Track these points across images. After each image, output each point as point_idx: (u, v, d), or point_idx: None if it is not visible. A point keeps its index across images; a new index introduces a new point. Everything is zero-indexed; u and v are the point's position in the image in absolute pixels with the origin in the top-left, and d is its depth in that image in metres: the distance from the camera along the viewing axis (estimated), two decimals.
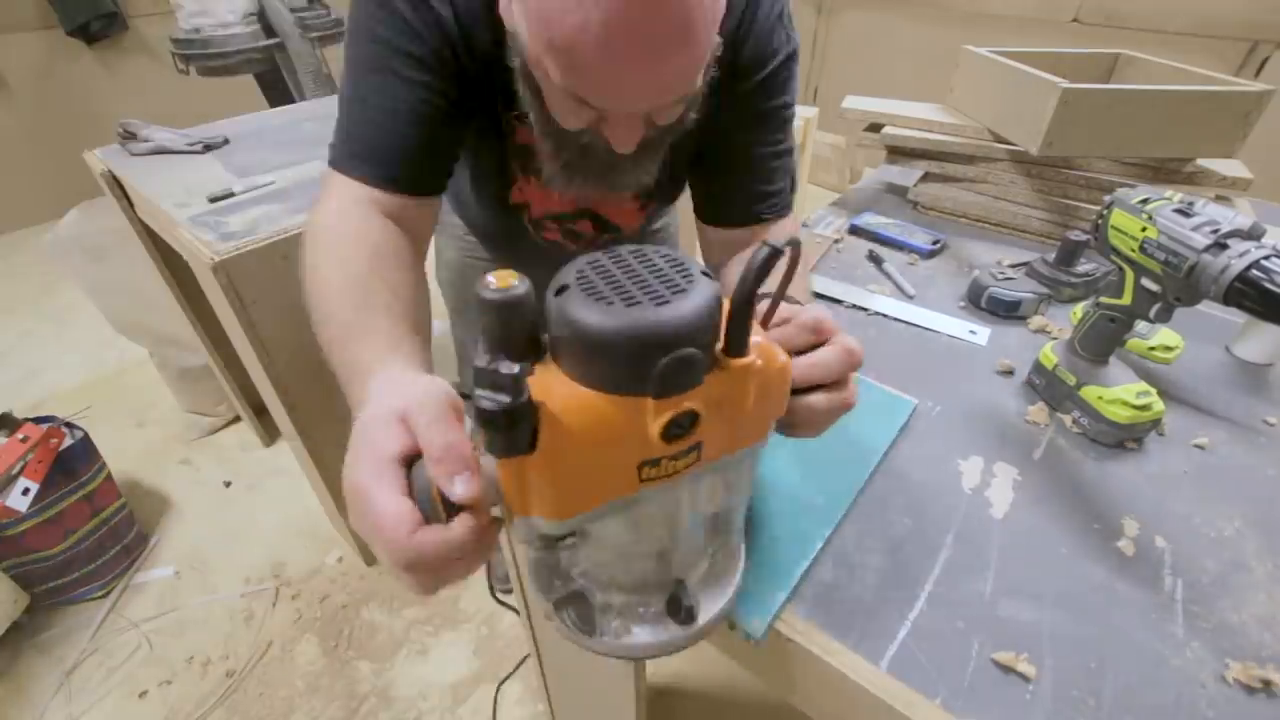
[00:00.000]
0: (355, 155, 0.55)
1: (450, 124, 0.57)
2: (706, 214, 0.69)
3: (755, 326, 0.33)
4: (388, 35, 0.52)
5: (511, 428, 0.27)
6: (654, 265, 0.30)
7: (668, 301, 0.28)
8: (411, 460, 0.31)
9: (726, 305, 0.30)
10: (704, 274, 0.29)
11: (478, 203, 0.76)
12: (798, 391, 0.38)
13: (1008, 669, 0.40)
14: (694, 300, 0.28)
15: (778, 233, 0.67)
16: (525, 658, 1.26)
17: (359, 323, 0.44)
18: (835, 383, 0.39)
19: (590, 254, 0.31)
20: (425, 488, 0.30)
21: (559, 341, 0.29)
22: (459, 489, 0.28)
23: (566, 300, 0.28)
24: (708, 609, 0.38)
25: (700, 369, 0.28)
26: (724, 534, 0.40)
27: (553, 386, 0.28)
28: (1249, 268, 0.42)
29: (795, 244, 0.30)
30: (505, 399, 0.26)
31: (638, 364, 0.27)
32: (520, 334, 0.28)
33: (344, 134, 0.56)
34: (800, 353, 0.38)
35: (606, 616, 0.38)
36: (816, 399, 0.38)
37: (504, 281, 0.27)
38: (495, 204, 0.73)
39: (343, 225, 0.52)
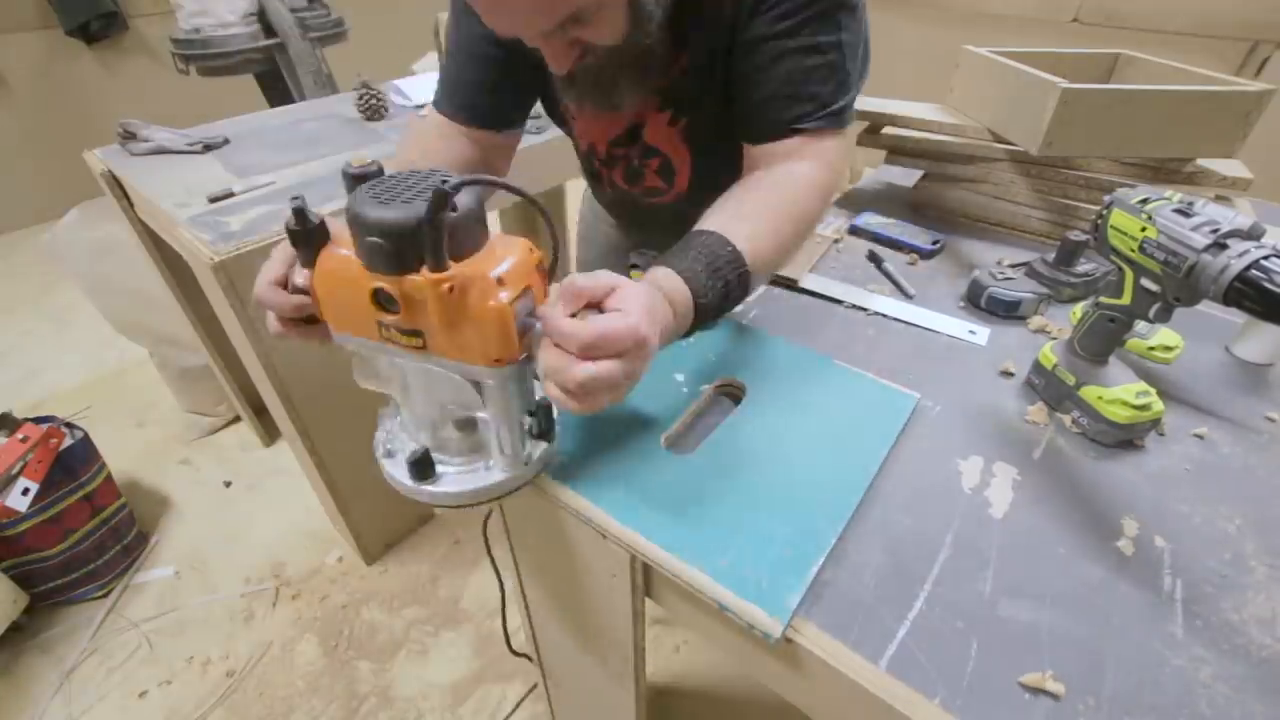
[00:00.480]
0: (447, 96, 0.73)
1: (514, 68, 0.70)
2: (740, 132, 0.67)
3: (528, 280, 0.41)
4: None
5: (299, 245, 0.41)
6: (423, 181, 0.40)
7: (386, 205, 0.37)
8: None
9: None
10: (435, 200, 0.35)
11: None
12: None
13: (1036, 690, 0.39)
14: (401, 210, 0.36)
15: (802, 152, 0.62)
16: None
17: None
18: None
19: (408, 170, 0.41)
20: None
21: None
22: (300, 277, 0.46)
23: (357, 188, 0.39)
24: (445, 485, 0.48)
25: (388, 260, 0.38)
26: (479, 440, 0.49)
27: (342, 240, 0.41)
28: (1248, 268, 0.42)
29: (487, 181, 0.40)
30: (294, 224, 0.39)
31: (358, 239, 0.38)
32: None
33: (441, 81, 0.74)
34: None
35: (380, 443, 0.51)
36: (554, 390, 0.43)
37: (361, 162, 0.39)
38: (577, 152, 0.87)
39: (428, 135, 0.74)
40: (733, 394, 0.62)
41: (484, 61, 0.70)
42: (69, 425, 1.32)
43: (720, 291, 0.52)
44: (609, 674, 0.68)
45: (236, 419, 1.83)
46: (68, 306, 2.36)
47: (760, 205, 0.60)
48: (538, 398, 0.49)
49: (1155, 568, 0.46)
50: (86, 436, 1.33)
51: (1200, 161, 0.83)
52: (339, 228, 0.41)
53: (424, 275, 0.37)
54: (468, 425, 0.48)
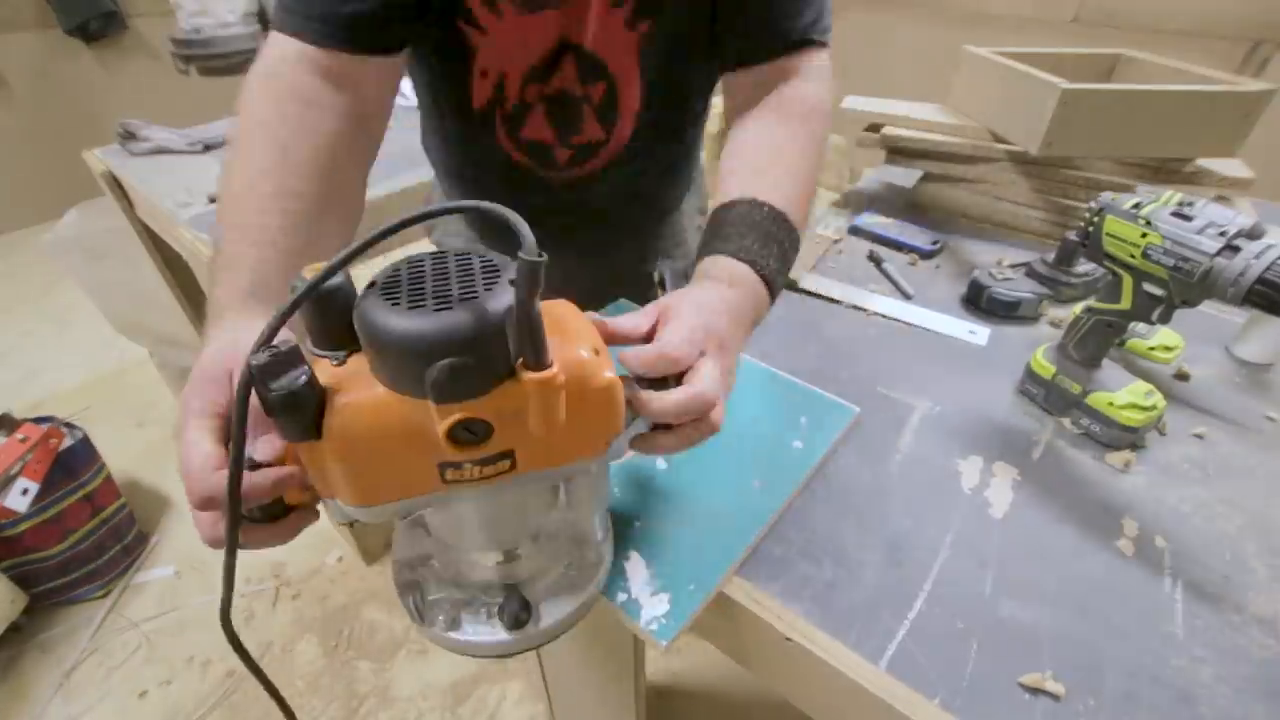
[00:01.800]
0: (290, 10, 0.50)
1: None
2: (726, 52, 0.59)
3: (599, 341, 0.33)
4: None
5: (290, 412, 0.27)
6: (467, 268, 0.29)
7: (450, 308, 0.26)
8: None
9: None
10: (527, 277, 0.26)
11: (445, 129, 0.71)
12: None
13: (1036, 690, 0.39)
14: (479, 309, 0.26)
15: (806, 71, 0.57)
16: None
17: (231, 250, 0.42)
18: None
19: (415, 255, 0.30)
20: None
21: (360, 338, 0.28)
22: (261, 449, 0.30)
23: (365, 297, 0.27)
24: (549, 615, 0.38)
25: (477, 380, 0.27)
26: (579, 547, 0.41)
27: (353, 380, 0.28)
28: (1269, 268, 0.43)
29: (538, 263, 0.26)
30: (277, 386, 0.26)
31: (412, 367, 0.26)
32: (337, 325, 0.28)
33: None
34: (659, 379, 0.38)
35: (436, 609, 0.38)
36: (665, 439, 0.39)
37: (315, 269, 0.27)
38: (461, 117, 0.66)
39: (261, 103, 0.47)
40: None
41: None
42: (69, 425, 1.32)
43: (778, 257, 0.49)
44: (609, 674, 0.68)
45: None
46: (68, 306, 2.36)
47: (780, 150, 0.55)
48: None
49: (1155, 568, 0.46)
50: (86, 436, 1.33)
51: (1200, 161, 0.83)
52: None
53: (529, 378, 0.28)
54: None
